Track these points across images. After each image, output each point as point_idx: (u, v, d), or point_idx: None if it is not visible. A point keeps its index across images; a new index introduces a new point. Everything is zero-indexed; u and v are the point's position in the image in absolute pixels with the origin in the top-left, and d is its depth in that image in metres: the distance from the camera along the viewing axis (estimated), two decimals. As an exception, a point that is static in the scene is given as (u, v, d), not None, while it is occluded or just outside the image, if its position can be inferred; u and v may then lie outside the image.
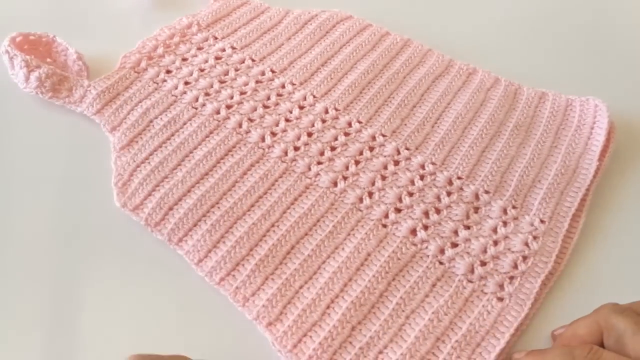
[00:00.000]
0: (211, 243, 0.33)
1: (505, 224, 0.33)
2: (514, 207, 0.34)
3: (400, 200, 0.34)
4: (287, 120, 0.39)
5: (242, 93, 0.40)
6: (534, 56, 0.45)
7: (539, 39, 0.46)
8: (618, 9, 0.49)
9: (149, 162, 0.37)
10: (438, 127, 0.38)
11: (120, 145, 0.37)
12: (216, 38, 0.44)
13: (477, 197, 0.34)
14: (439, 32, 0.46)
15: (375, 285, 0.31)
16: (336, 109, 0.39)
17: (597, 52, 0.45)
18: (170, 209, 0.34)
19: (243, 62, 0.42)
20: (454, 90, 0.40)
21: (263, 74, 0.41)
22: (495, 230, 0.33)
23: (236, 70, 0.42)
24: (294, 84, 0.41)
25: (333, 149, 0.37)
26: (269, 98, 0.40)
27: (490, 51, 0.44)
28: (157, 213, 0.34)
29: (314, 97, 0.40)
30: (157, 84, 0.41)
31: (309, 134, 0.38)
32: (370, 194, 0.35)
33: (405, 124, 0.38)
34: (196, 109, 0.39)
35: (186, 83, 0.41)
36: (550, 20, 0.48)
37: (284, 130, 0.38)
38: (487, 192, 0.35)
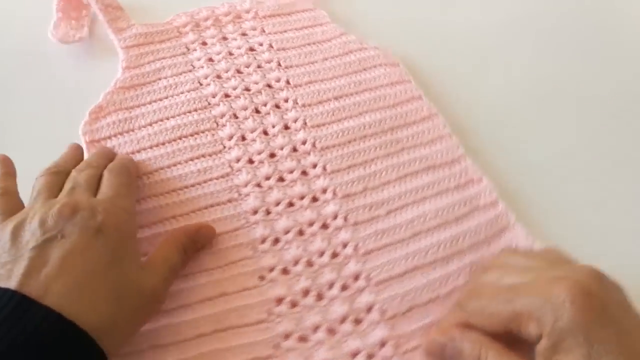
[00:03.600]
0: None
1: None
2: None
3: (295, 263, 0.33)
4: (264, 132, 0.39)
5: (246, 89, 0.41)
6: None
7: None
8: None
9: (129, 111, 0.39)
10: (389, 220, 0.35)
11: (120, 85, 0.40)
12: (263, 31, 0.45)
13: None
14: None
15: None
16: (313, 146, 0.38)
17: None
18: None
19: (270, 62, 0.43)
20: (431, 193, 0.37)
21: (278, 80, 0.41)
22: None
23: (258, 67, 0.42)
24: (296, 103, 0.40)
25: (281, 180, 0.36)
26: (265, 104, 0.40)
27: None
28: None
29: (304, 123, 0.39)
30: (188, 49, 0.43)
31: (272, 155, 0.38)
32: (276, 241, 0.34)
33: (364, 197, 0.36)
34: (200, 84, 0.41)
35: (209, 59, 0.43)
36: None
37: (253, 140, 0.38)
38: None
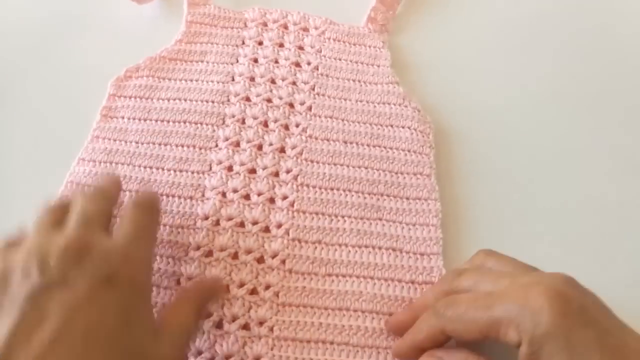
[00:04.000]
0: None
1: None
2: None
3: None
4: (259, 147, 0.38)
5: (268, 100, 0.40)
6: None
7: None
8: None
9: (159, 80, 0.41)
10: (323, 282, 0.33)
11: (164, 54, 0.42)
12: (319, 51, 0.43)
13: None
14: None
15: None
16: (295, 178, 0.37)
17: None
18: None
19: (305, 83, 0.42)
20: (380, 276, 0.34)
21: (302, 103, 0.40)
22: None
23: (292, 83, 0.41)
24: (304, 131, 0.39)
25: (246, 197, 0.36)
26: (275, 121, 0.39)
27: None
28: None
29: (299, 153, 0.38)
30: (243, 43, 0.44)
31: (251, 171, 0.37)
32: (209, 254, 0.34)
33: (313, 249, 0.34)
34: (232, 80, 0.41)
35: (254, 60, 0.43)
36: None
37: (244, 150, 0.38)
38: None
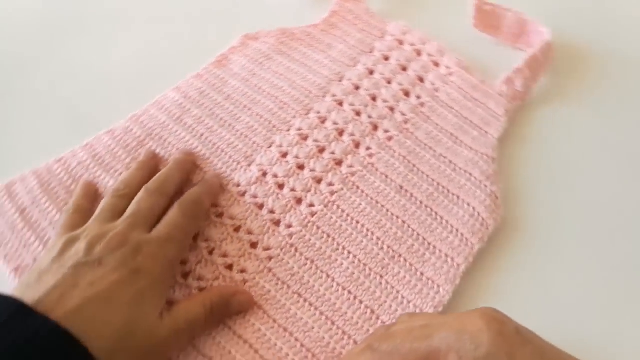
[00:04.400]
0: None
1: None
2: None
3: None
4: (320, 150, 0.38)
5: (357, 113, 0.40)
6: None
7: None
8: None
9: (266, 57, 0.43)
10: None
11: (289, 33, 0.45)
12: (435, 91, 0.41)
13: None
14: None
15: None
16: (330, 194, 0.36)
17: None
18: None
19: (402, 115, 0.40)
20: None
21: (386, 131, 0.39)
22: None
23: (390, 109, 0.40)
24: (369, 157, 0.38)
25: (280, 187, 0.36)
26: (351, 135, 0.39)
27: None
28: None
29: (348, 177, 0.37)
30: (370, 51, 0.44)
31: (300, 166, 0.37)
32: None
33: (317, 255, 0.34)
34: (338, 81, 0.42)
35: (370, 71, 0.43)
36: None
37: (307, 146, 0.38)
38: None
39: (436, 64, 0.43)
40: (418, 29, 0.45)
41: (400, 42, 0.44)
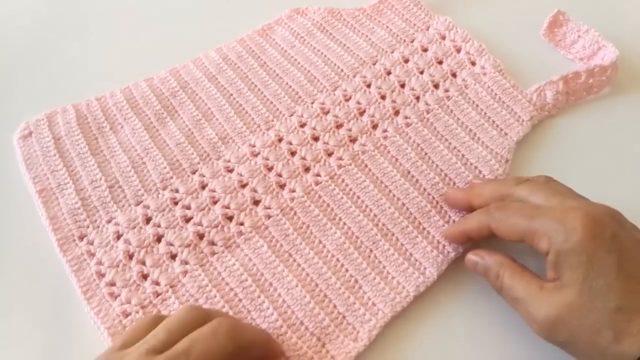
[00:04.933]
0: None
1: None
2: None
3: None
4: (337, 125, 0.39)
5: (382, 97, 0.41)
6: None
7: None
8: None
9: (319, 29, 0.45)
10: None
11: (342, 11, 0.46)
12: (465, 87, 0.41)
13: None
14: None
15: None
16: (338, 167, 0.37)
17: None
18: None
19: (426, 105, 0.40)
20: None
21: (406, 118, 0.40)
22: None
23: (415, 98, 0.41)
24: (383, 139, 0.39)
25: (292, 153, 0.38)
26: (371, 116, 0.40)
27: None
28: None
29: (358, 154, 0.38)
30: (411, 41, 0.44)
31: (314, 138, 0.39)
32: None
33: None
34: (372, 63, 0.43)
35: (405, 60, 0.43)
36: None
37: (326, 121, 0.39)
38: None
39: (473, 63, 0.43)
40: (463, 27, 0.45)
41: (442, 37, 0.45)
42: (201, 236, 0.34)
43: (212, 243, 0.34)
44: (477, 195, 0.34)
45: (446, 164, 0.38)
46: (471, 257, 0.32)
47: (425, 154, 0.38)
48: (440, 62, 0.43)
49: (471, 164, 0.38)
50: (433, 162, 0.38)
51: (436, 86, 0.42)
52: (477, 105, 0.41)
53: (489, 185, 0.34)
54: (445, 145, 0.39)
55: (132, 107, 0.40)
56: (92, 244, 0.34)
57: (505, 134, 0.39)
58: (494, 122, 0.40)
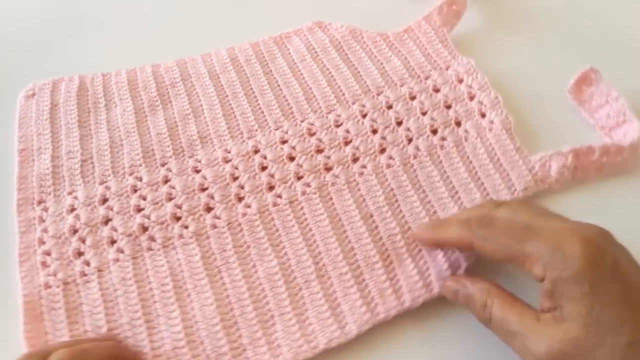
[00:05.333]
0: None
1: None
2: None
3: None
4: (345, 143, 0.38)
5: (373, 131, 0.39)
6: None
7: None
8: None
9: (337, 48, 0.44)
10: None
11: (364, 32, 0.44)
12: (475, 132, 0.39)
13: None
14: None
15: None
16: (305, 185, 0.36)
17: None
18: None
19: (417, 150, 0.38)
20: None
21: (389, 158, 0.38)
22: None
23: (407, 139, 0.38)
24: (356, 189, 0.37)
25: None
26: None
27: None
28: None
29: (337, 177, 0.37)
30: (426, 78, 0.42)
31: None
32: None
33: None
34: (386, 86, 0.41)
35: (412, 97, 0.41)
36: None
37: (329, 137, 0.38)
38: None
39: (482, 115, 0.40)
40: (484, 74, 0.41)
41: (460, 80, 0.42)
42: (145, 229, 0.35)
43: (152, 239, 0.34)
44: (467, 231, 0.29)
45: (413, 216, 0.35)
46: (451, 284, 0.30)
47: (396, 200, 0.36)
48: (449, 107, 0.40)
49: None
50: (400, 211, 0.36)
51: (434, 132, 0.39)
52: (470, 162, 0.38)
53: (465, 212, 0.31)
54: (420, 196, 0.36)
55: (131, 88, 0.41)
56: (46, 210, 0.35)
57: (490, 200, 0.36)
58: (482, 184, 0.37)
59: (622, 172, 0.37)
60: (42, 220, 0.35)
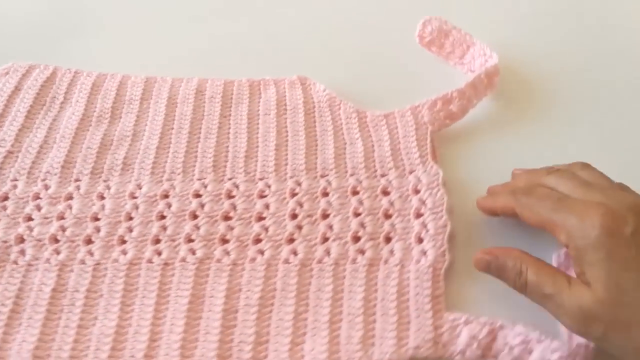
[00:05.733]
0: None
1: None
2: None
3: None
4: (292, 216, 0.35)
5: (293, 215, 0.34)
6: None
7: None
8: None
9: None
10: None
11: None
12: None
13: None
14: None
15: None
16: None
17: None
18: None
19: (321, 256, 0.33)
20: None
21: (294, 255, 0.33)
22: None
23: (323, 238, 0.34)
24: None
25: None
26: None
27: None
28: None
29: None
30: (372, 171, 0.36)
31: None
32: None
33: None
34: (295, 176, 0.36)
35: (355, 191, 0.35)
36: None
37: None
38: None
39: (420, 240, 0.33)
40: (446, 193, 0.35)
41: (416, 191, 0.35)
42: (22, 240, 0.34)
43: (22, 253, 0.33)
44: (512, 198, 0.32)
45: (277, 329, 0.30)
46: (483, 256, 0.31)
47: (272, 304, 0.31)
48: (388, 217, 0.35)
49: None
50: (269, 318, 0.31)
51: (356, 239, 0.34)
52: (375, 291, 0.31)
53: (523, 175, 0.34)
54: (298, 309, 0.31)
55: (91, 93, 0.41)
56: None
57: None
58: (373, 321, 0.30)
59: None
60: (-58, 199, 0.36)
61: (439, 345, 0.30)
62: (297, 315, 0.31)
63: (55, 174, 0.37)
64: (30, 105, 0.40)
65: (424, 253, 0.33)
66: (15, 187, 0.36)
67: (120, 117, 0.40)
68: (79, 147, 0.38)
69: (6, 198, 0.36)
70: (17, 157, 0.38)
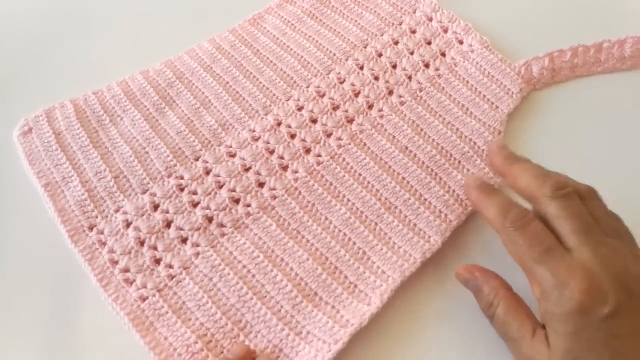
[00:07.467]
0: None
1: None
2: None
3: None
4: (334, 107, 0.40)
5: (376, 78, 0.42)
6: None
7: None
8: None
9: (310, 15, 0.46)
10: None
11: None
12: (454, 66, 0.43)
13: None
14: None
15: None
16: (338, 148, 0.38)
17: None
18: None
19: (419, 84, 0.42)
20: None
21: (400, 97, 0.41)
22: None
23: (408, 77, 0.42)
24: (380, 118, 0.40)
25: (292, 136, 0.39)
26: (366, 97, 0.41)
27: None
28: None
29: (357, 134, 0.39)
30: (400, 24, 0.45)
31: (313, 120, 0.40)
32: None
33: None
34: (364, 47, 0.44)
35: (395, 42, 0.44)
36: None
37: (323, 103, 0.40)
38: None
39: (460, 42, 0.44)
40: (448, 9, 0.46)
41: (429, 19, 0.46)
42: (210, 219, 0.35)
43: (222, 225, 0.35)
44: (512, 177, 0.32)
45: (442, 137, 0.39)
46: (463, 273, 0.32)
47: (422, 130, 0.39)
48: (429, 43, 0.45)
49: (466, 136, 0.39)
50: (429, 137, 0.39)
51: (427, 66, 0.43)
52: (468, 82, 0.42)
53: (528, 175, 0.31)
54: (440, 120, 0.40)
55: (130, 99, 0.40)
56: (102, 233, 0.34)
57: (497, 107, 0.41)
58: (485, 96, 0.41)
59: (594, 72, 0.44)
60: (103, 243, 0.34)
61: (525, 82, 0.42)
62: (444, 123, 0.40)
63: (175, 165, 0.37)
64: (88, 137, 0.38)
65: (470, 45, 0.44)
66: (153, 194, 0.36)
67: (174, 101, 0.41)
68: (170, 137, 0.38)
69: (157, 206, 0.35)
70: (125, 177, 0.36)
